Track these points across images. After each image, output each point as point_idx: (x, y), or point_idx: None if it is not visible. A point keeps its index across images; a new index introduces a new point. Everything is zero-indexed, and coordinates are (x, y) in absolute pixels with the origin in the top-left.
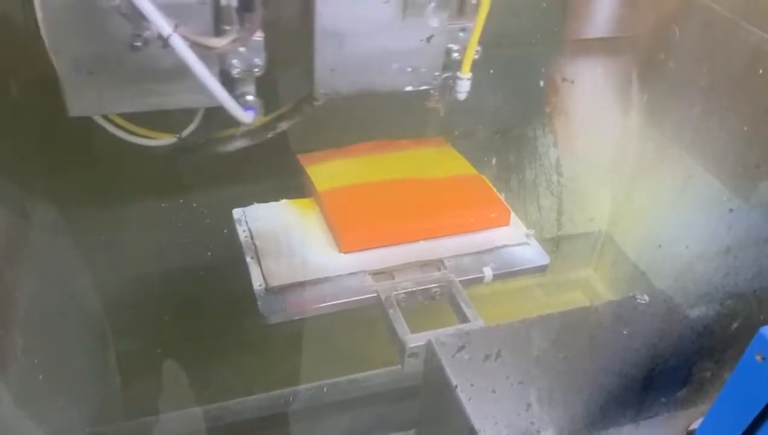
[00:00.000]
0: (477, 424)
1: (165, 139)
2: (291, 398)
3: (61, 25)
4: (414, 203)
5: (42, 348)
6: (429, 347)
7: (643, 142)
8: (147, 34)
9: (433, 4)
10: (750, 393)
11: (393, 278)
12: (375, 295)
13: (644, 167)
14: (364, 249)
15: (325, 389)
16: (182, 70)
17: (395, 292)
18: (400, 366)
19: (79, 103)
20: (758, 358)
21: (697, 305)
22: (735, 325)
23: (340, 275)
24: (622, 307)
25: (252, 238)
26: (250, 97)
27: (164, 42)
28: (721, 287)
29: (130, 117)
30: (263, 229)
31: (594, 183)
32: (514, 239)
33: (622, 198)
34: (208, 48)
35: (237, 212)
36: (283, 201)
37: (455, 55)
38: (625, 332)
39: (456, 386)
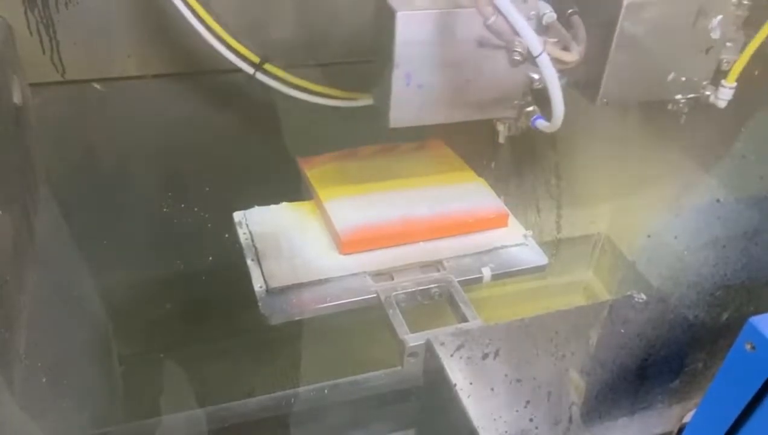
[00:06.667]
0: (476, 422)
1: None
2: (293, 399)
3: (414, 40)
4: (413, 206)
5: (45, 350)
6: (428, 346)
7: (638, 146)
8: (520, 49)
9: (720, 18)
10: (741, 381)
11: (392, 279)
12: (375, 295)
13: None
14: (363, 251)
15: (326, 390)
16: (496, 84)
17: (395, 293)
18: (399, 367)
19: (401, 114)
20: (748, 346)
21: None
22: (725, 316)
23: (340, 276)
24: (619, 305)
25: (252, 240)
26: (531, 108)
27: (532, 59)
28: (718, 286)
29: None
30: (263, 232)
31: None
32: (513, 240)
33: (622, 201)
34: (563, 63)
35: (237, 215)
36: (283, 204)
37: (725, 65)
38: (622, 330)
39: (455, 384)
